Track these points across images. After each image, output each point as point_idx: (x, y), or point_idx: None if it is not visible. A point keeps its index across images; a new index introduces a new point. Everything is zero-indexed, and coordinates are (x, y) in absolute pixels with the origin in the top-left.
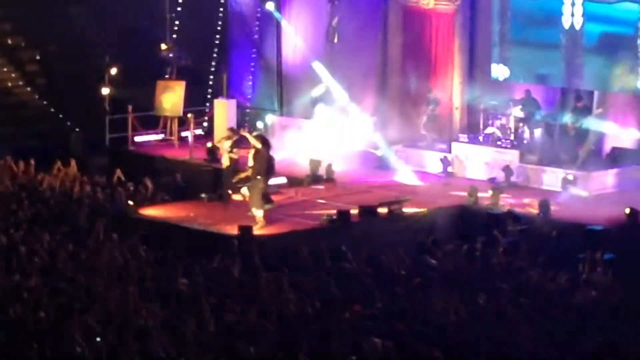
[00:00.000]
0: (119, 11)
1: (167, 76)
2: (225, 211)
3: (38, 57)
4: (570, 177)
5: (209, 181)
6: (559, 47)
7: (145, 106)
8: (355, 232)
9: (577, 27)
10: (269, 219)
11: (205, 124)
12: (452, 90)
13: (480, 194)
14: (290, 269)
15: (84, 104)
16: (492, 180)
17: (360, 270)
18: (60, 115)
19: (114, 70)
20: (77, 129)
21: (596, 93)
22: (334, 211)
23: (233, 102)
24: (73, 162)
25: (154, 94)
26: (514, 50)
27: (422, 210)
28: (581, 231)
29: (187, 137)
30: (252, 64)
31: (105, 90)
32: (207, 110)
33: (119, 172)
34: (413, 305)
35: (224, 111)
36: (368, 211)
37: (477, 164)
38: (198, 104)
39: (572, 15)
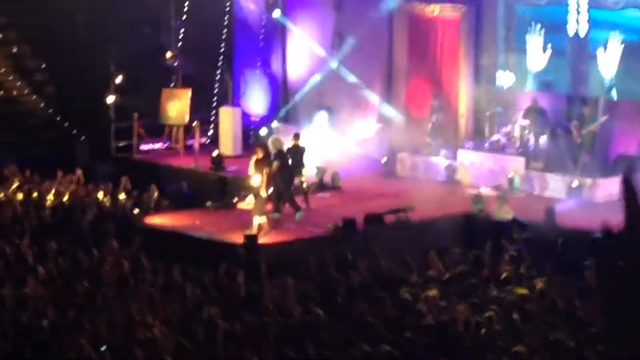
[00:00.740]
0: (125, 19)
1: (172, 84)
2: (230, 219)
3: (44, 66)
4: (576, 184)
5: (215, 189)
6: (564, 54)
7: (151, 114)
8: (361, 240)
9: (582, 34)
10: (274, 227)
11: (210, 132)
12: (458, 97)
13: (485, 202)
14: (296, 278)
15: (89, 113)
16: (497, 187)
17: (366, 278)
18: (66, 124)
19: (119, 79)
20: (82, 137)
21: (601, 100)
22: (339, 219)
23: (238, 110)
24: (79, 171)
25: (159, 102)
26: (519, 57)
27: (427, 218)
28: (587, 239)
29: (192, 145)
30: (258, 71)
31: (110, 99)
32: (212, 118)
33: (125, 180)
34: (419, 312)
35: (229, 119)
36: (374, 219)
37: (483, 171)
38: (203, 112)
39: (577, 22)
